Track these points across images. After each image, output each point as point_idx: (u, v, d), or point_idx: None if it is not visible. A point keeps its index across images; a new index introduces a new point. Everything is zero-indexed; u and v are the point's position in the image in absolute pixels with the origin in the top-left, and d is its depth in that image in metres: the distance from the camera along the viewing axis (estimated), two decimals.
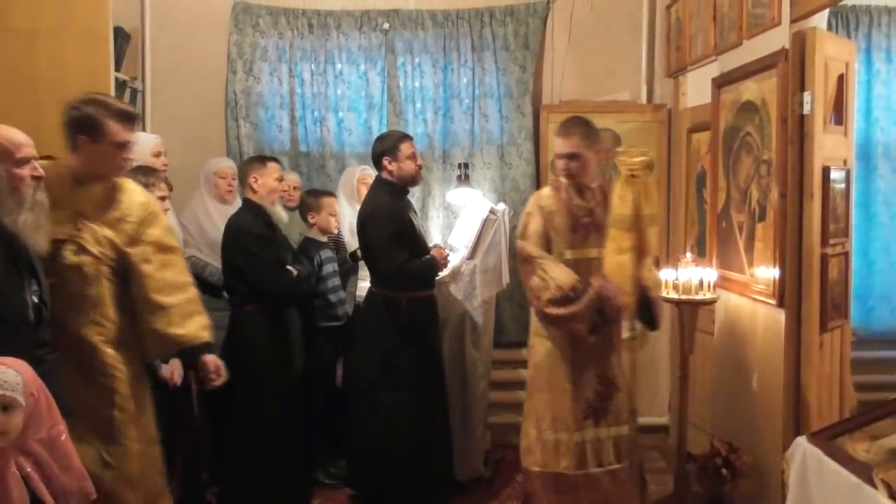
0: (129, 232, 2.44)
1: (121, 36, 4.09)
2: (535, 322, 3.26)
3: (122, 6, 4.05)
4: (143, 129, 4.30)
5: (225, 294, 3.66)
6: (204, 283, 3.73)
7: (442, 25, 4.49)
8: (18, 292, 2.10)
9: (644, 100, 4.51)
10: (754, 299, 3.20)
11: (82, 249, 2.36)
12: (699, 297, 3.29)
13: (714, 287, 3.32)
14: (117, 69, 3.89)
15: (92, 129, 2.37)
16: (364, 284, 3.94)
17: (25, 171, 2.12)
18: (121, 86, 4.08)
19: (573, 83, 4.53)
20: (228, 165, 3.97)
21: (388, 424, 3.36)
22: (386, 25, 4.48)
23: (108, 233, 2.40)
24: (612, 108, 4.49)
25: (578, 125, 3.12)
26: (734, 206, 3.40)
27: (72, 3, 3.48)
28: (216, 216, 3.84)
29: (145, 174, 3.08)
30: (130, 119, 2.45)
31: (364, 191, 4.06)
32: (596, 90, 4.53)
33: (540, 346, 3.20)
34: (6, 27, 3.41)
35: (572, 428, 3.10)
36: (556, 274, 3.03)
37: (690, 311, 3.36)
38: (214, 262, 3.75)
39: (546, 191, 3.24)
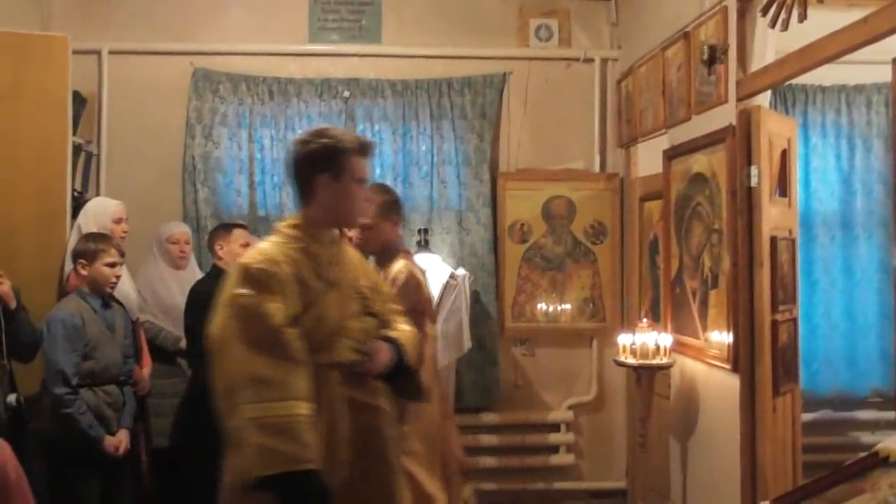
0: None
1: (78, 100, 4.07)
2: None
3: (81, 70, 4.05)
4: (98, 194, 4.26)
5: (179, 360, 3.59)
6: (157, 349, 3.66)
7: (401, 94, 4.59)
8: None
9: (597, 168, 4.67)
10: (709, 364, 3.28)
11: None
12: (656, 361, 3.36)
13: (669, 352, 3.40)
14: (73, 133, 3.86)
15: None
16: None
17: None
18: (76, 149, 4.05)
19: (529, 151, 4.66)
20: (181, 231, 3.94)
21: None
22: (346, 93, 4.56)
23: None
24: (567, 177, 4.62)
25: (376, 193, 2.92)
26: (687, 273, 3.51)
27: (30, 69, 3.47)
28: (170, 281, 3.81)
29: (95, 241, 3.05)
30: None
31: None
32: (551, 158, 4.67)
33: None
34: None
35: None
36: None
37: (648, 375, 3.43)
38: (169, 327, 3.69)
39: None
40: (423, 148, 4.60)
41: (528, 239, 4.62)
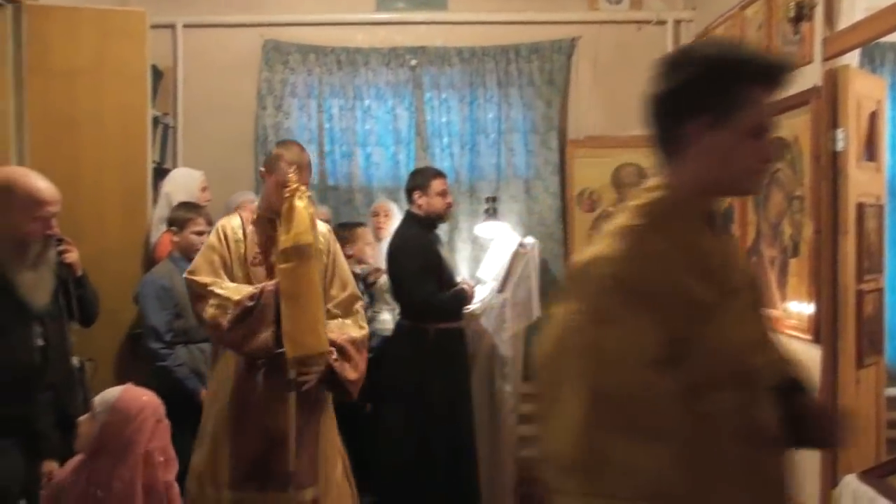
0: None
1: (156, 74, 4.18)
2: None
3: (157, 44, 4.14)
4: (176, 165, 4.38)
5: None
6: None
7: (468, 61, 4.55)
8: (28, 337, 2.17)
9: None
10: (788, 335, 3.20)
11: None
12: None
13: None
14: (152, 106, 3.96)
15: None
16: (383, 317, 3.97)
17: (38, 228, 2.17)
18: (155, 122, 4.16)
19: (598, 118, 4.57)
20: (250, 199, 4.03)
21: (417, 457, 3.36)
22: (413, 62, 4.55)
23: None
24: (638, 143, 4.46)
25: None
26: (765, 241, 3.41)
27: (111, 44, 3.57)
28: None
29: (187, 209, 3.15)
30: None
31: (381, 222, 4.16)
32: (621, 125, 4.56)
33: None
34: (48, 68, 3.50)
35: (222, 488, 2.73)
36: (229, 292, 2.70)
37: None
38: None
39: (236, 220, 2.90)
40: (491, 115, 4.56)
41: (596, 207, 4.56)
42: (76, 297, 2.85)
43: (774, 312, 3.30)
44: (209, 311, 2.65)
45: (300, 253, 2.62)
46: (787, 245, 3.20)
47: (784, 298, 3.23)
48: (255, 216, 2.84)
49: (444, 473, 3.41)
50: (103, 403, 2.07)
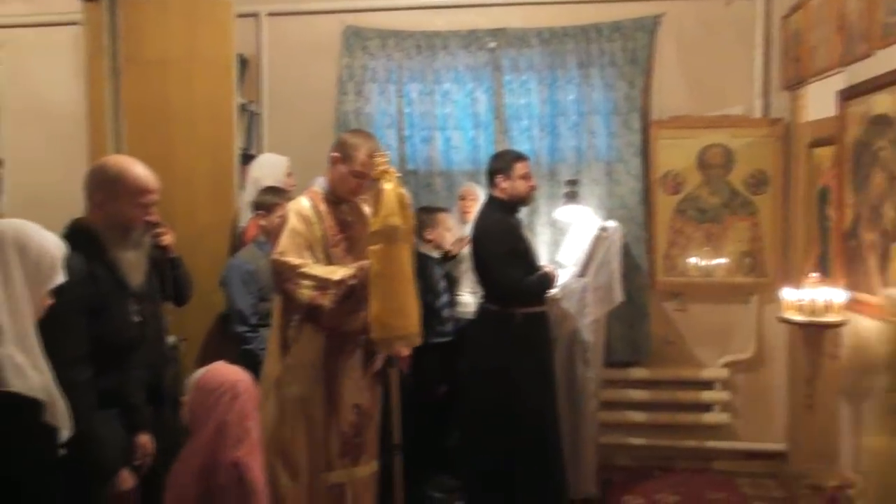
0: None
1: (241, 62, 4.28)
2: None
3: (242, 33, 4.24)
4: (261, 151, 4.49)
5: None
6: None
7: (548, 42, 4.48)
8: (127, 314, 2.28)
9: (759, 113, 4.37)
10: (889, 321, 3.03)
11: None
12: (827, 319, 3.15)
13: (841, 309, 3.18)
14: (238, 94, 4.07)
15: None
16: (465, 299, 3.97)
17: (139, 214, 2.28)
18: (241, 109, 4.27)
19: (683, 98, 4.44)
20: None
21: (504, 440, 3.36)
22: (492, 44, 4.52)
23: None
24: (725, 123, 4.37)
25: None
26: (864, 225, 3.24)
27: (199, 34, 3.68)
28: None
29: (273, 194, 3.22)
30: None
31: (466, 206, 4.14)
32: (707, 105, 4.43)
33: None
34: (141, 58, 3.63)
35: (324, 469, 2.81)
36: (325, 272, 2.74)
37: (816, 333, 3.23)
38: None
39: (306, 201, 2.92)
40: (571, 97, 4.48)
41: (681, 190, 4.43)
42: (171, 278, 2.97)
43: (874, 299, 3.15)
44: (305, 292, 2.70)
45: (388, 235, 2.68)
46: (888, 228, 3.03)
47: (885, 285, 3.06)
48: (322, 198, 2.90)
49: (530, 459, 3.39)
50: (191, 382, 2.15)
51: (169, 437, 3.14)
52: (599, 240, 3.84)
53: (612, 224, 3.95)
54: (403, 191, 2.80)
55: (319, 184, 3.00)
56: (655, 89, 4.47)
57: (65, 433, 1.71)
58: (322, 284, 2.71)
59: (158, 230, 2.97)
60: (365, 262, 2.76)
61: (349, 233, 2.92)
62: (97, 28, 3.59)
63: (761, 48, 4.35)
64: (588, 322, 3.81)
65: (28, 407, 1.62)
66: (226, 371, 2.15)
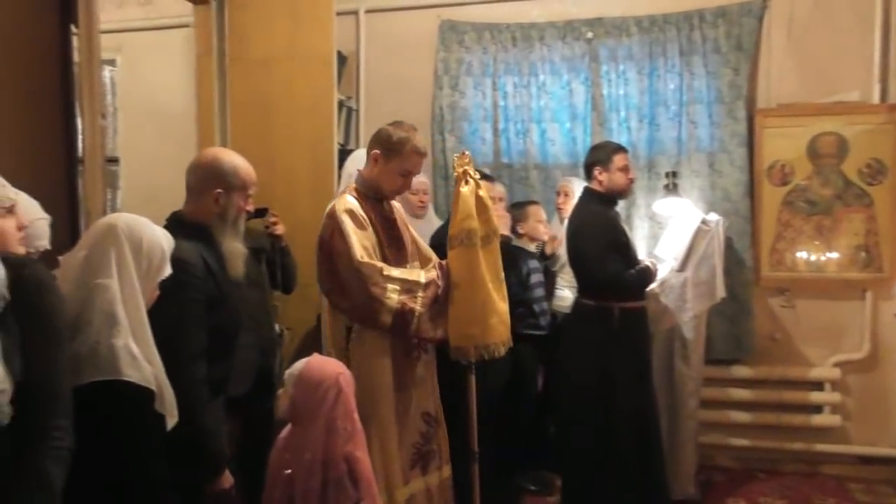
0: None
1: (340, 59, 4.37)
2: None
3: (341, 30, 4.33)
4: (358, 146, 4.58)
5: None
6: None
7: (648, 31, 4.37)
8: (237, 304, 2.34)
9: (877, 100, 4.11)
10: None
11: None
12: None
13: None
14: (337, 89, 4.16)
15: None
16: (563, 294, 3.92)
17: (245, 206, 2.33)
18: (339, 105, 4.37)
19: (792, 84, 4.23)
20: (421, 181, 4.10)
21: (601, 437, 3.31)
22: (590, 34, 4.44)
23: None
24: (839, 110, 4.13)
25: None
26: None
27: (301, 32, 3.78)
28: (411, 229, 3.99)
29: None
30: None
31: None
32: (819, 91, 4.20)
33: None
34: (246, 57, 3.77)
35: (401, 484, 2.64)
36: (408, 275, 2.58)
37: None
38: None
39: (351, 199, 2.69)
40: (672, 86, 4.35)
41: (789, 181, 4.23)
42: (280, 266, 3.09)
43: None
44: (392, 296, 2.51)
45: (465, 239, 2.61)
46: None
47: None
48: (363, 197, 2.71)
49: (628, 456, 3.31)
50: (291, 376, 2.19)
51: (272, 423, 3.28)
52: (700, 233, 3.71)
53: (713, 217, 3.81)
54: (483, 194, 2.68)
55: (356, 180, 2.80)
56: (762, 76, 4.28)
57: (171, 422, 1.78)
58: (409, 287, 2.56)
59: (272, 219, 3.08)
60: (442, 261, 2.69)
61: (396, 232, 2.77)
62: (206, 29, 3.76)
63: (880, 30, 4.09)
64: (688, 318, 3.69)
65: (140, 396, 1.69)
66: (325, 364, 2.18)
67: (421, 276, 2.62)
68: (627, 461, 3.29)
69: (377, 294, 2.51)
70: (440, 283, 2.63)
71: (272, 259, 3.18)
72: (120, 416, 1.68)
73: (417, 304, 2.55)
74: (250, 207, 2.37)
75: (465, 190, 2.65)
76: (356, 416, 2.10)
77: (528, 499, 3.90)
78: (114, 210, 5.11)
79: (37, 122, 2.37)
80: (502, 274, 2.73)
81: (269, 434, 3.30)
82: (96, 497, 1.66)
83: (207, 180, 2.27)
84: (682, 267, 3.73)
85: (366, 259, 2.54)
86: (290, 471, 2.11)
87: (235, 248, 2.29)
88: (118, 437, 1.69)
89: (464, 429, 2.80)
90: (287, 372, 2.25)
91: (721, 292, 3.73)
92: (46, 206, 2.02)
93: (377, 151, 2.71)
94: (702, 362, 3.88)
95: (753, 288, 4.25)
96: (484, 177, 3.66)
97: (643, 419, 3.34)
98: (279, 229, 3.18)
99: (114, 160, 5.13)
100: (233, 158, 2.33)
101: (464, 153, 2.75)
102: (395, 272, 2.58)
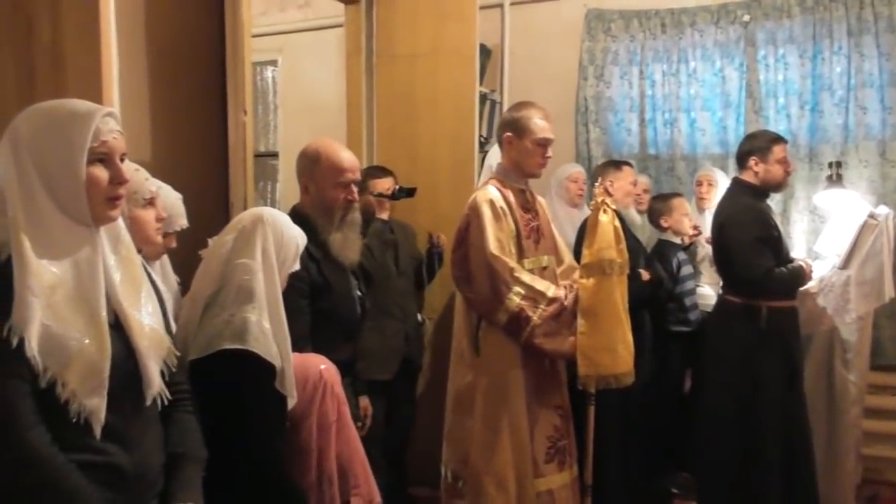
0: None
1: (484, 52, 4.41)
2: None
3: (485, 24, 4.37)
4: None
5: None
6: None
7: (811, 10, 4.07)
8: (349, 290, 2.39)
9: None
10: None
11: None
12: None
13: None
14: (480, 83, 4.20)
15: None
16: (705, 291, 3.76)
17: (339, 194, 2.31)
18: (482, 98, 4.41)
19: None
20: (578, 170, 4.07)
21: (745, 442, 3.14)
22: (746, 17, 4.20)
23: None
24: None
25: None
26: None
27: (445, 27, 3.85)
28: (564, 220, 3.96)
29: None
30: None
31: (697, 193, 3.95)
32: None
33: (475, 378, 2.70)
34: (393, 53, 3.89)
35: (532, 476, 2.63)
36: (538, 284, 2.60)
37: None
38: None
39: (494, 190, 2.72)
40: (838, 70, 4.03)
41: None
42: (432, 268, 3.41)
43: None
44: (515, 299, 2.56)
45: (602, 269, 2.62)
46: None
47: None
48: (506, 186, 2.75)
49: (772, 464, 3.13)
50: None
51: (412, 404, 3.43)
52: (867, 228, 3.41)
53: (883, 210, 3.49)
54: (619, 224, 2.70)
55: (497, 172, 2.84)
56: None
57: (291, 402, 1.84)
58: (534, 295, 2.60)
59: (438, 236, 3.44)
60: (573, 283, 2.71)
61: (537, 222, 2.80)
62: (356, 28, 3.92)
63: None
64: (851, 319, 3.41)
65: (265, 370, 1.76)
66: (305, 361, 2.03)
67: (550, 289, 2.64)
68: (771, 471, 3.09)
69: (501, 291, 2.57)
70: (566, 303, 2.64)
71: (431, 263, 3.49)
72: (245, 383, 1.75)
73: (535, 315, 2.58)
74: (350, 195, 2.33)
75: (605, 219, 2.66)
76: (345, 407, 2.04)
77: (673, 502, 3.78)
78: (274, 202, 5.47)
79: (196, 120, 2.59)
80: (628, 304, 2.72)
81: (412, 416, 3.45)
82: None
83: (300, 173, 2.36)
84: (846, 264, 3.45)
85: (498, 253, 2.58)
86: None
87: (337, 239, 2.30)
88: (242, 405, 1.75)
89: (582, 459, 2.81)
90: None
91: (890, 292, 3.41)
92: (201, 198, 2.19)
93: (508, 134, 2.76)
94: (867, 368, 3.57)
95: None
96: (625, 163, 3.61)
97: (791, 426, 3.13)
98: (442, 241, 3.47)
99: (273, 154, 5.51)
100: (319, 147, 2.33)
101: (602, 183, 2.85)
102: (526, 277, 2.60)
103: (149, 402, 1.44)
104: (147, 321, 1.45)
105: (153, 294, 1.52)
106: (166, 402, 1.50)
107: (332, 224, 2.32)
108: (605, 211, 2.66)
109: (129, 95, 2.31)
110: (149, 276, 1.55)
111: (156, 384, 1.44)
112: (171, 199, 2.05)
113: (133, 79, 2.34)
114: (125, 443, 1.38)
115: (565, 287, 2.71)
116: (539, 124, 2.72)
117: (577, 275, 2.77)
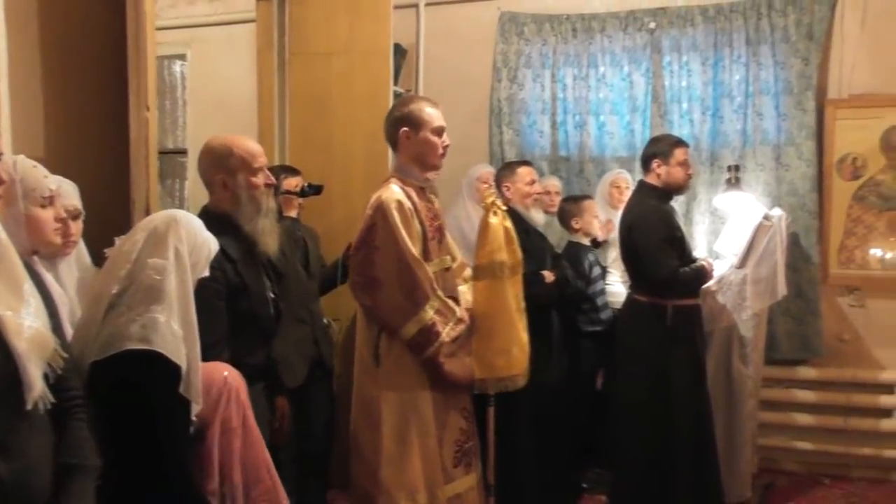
0: None
1: (399, 52, 4.41)
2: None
3: (401, 24, 4.36)
4: None
5: None
6: None
7: (713, 20, 4.25)
8: (263, 291, 2.33)
9: None
10: None
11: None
12: None
13: None
14: (395, 83, 4.20)
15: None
16: (615, 289, 3.86)
17: (260, 180, 2.29)
18: (397, 98, 4.40)
19: (866, 75, 4.05)
20: (489, 171, 4.11)
21: (655, 438, 3.24)
22: (652, 25, 4.35)
23: None
24: None
25: None
26: None
27: (360, 26, 3.83)
28: (476, 220, 4.00)
29: None
30: None
31: (616, 195, 4.01)
32: (894, 81, 4.01)
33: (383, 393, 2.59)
34: (307, 51, 3.84)
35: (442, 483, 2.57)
36: (451, 303, 2.57)
37: None
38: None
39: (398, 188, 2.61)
40: (737, 77, 4.22)
41: (861, 175, 4.06)
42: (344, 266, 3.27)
43: None
44: (429, 311, 2.51)
45: (493, 271, 2.60)
46: None
47: None
48: (407, 185, 2.64)
49: (683, 456, 3.24)
50: None
51: (330, 408, 3.35)
52: (762, 229, 3.59)
53: (776, 212, 3.69)
54: (510, 224, 2.68)
55: (395, 170, 2.74)
56: (833, 66, 4.12)
57: (196, 408, 1.79)
58: (446, 311, 2.57)
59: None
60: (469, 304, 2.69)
61: (439, 221, 2.75)
62: (267, 24, 3.86)
63: None
64: (747, 316, 3.59)
65: (172, 373, 1.70)
66: (207, 369, 1.96)
67: (457, 310, 2.63)
68: (681, 462, 3.21)
69: (419, 301, 2.50)
70: (466, 325, 2.61)
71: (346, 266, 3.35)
72: (147, 383, 1.69)
73: (444, 331, 2.53)
74: (268, 179, 2.31)
75: (495, 221, 2.64)
76: (249, 412, 2.00)
77: (581, 497, 3.87)
78: (182, 200, 5.31)
79: (95, 115, 2.49)
80: (524, 304, 2.71)
81: (331, 420, 3.37)
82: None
83: (209, 169, 2.30)
84: (742, 264, 3.62)
85: (421, 260, 2.53)
86: None
87: (261, 226, 2.28)
88: (145, 406, 1.68)
89: (484, 460, 2.80)
90: None
91: (782, 290, 3.60)
92: (100, 195, 2.11)
93: (405, 129, 2.64)
94: (762, 362, 3.77)
95: (821, 286, 4.10)
96: (521, 163, 3.66)
97: (696, 419, 3.27)
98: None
99: (182, 151, 5.34)
100: (225, 140, 2.31)
101: (490, 185, 2.79)
102: (440, 292, 2.58)
103: (29, 407, 1.37)
104: (28, 321, 1.38)
105: (37, 293, 1.45)
106: (49, 406, 1.42)
107: (259, 211, 2.28)
108: (494, 213, 2.64)
109: (20, 88, 2.20)
110: (37, 275, 1.48)
111: (37, 388, 1.37)
112: (65, 187, 1.97)
113: (24, 71, 2.23)
114: (4, 451, 1.31)
115: (468, 310, 2.67)
116: (432, 113, 2.65)
117: (468, 273, 2.80)
